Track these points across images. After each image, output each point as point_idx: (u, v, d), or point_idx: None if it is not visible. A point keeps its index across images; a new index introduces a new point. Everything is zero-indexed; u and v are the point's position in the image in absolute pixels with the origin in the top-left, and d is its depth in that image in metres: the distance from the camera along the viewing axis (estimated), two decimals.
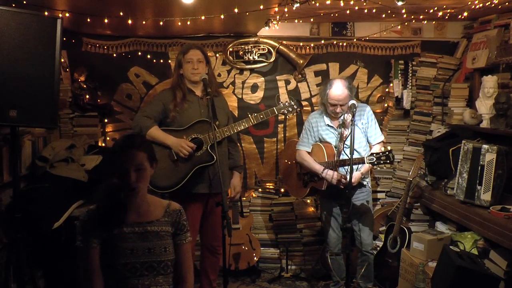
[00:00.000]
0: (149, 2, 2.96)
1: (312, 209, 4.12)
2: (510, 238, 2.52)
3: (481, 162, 2.92)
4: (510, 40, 3.26)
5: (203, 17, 3.19)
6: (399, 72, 4.01)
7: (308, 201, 4.11)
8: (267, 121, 4.14)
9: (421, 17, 3.69)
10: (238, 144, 3.72)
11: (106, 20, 3.10)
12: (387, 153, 2.96)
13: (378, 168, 3.83)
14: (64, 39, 2.51)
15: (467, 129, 3.54)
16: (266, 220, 4.16)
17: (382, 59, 4.13)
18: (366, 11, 3.37)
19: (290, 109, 3.15)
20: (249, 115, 3.09)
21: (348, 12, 3.37)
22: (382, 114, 4.20)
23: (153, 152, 1.94)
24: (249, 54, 4.04)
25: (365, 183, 3.36)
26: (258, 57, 4.07)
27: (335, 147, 3.27)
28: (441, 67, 4.00)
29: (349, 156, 2.81)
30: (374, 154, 3.00)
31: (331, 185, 3.20)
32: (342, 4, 2.96)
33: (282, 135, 4.24)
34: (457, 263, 2.55)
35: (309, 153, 3.40)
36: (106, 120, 4.12)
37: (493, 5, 3.10)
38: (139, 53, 4.06)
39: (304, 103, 4.12)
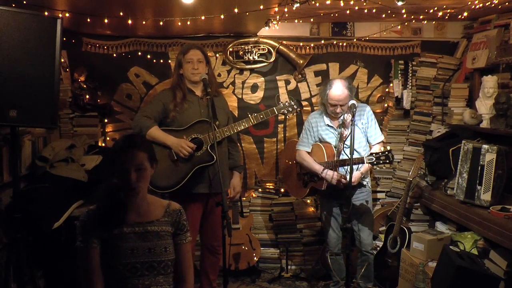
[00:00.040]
0: (149, 2, 2.96)
1: (312, 209, 4.11)
2: (510, 238, 2.52)
3: (481, 162, 2.92)
4: (510, 40, 3.26)
5: (203, 17, 3.19)
6: (399, 72, 4.01)
7: (308, 201, 4.11)
8: (267, 121, 4.14)
9: (421, 17, 3.69)
10: (238, 144, 3.71)
11: (106, 20, 3.10)
12: (386, 153, 2.96)
13: (378, 168, 3.83)
14: (64, 39, 2.51)
15: (467, 129, 3.54)
16: (266, 220, 4.16)
17: (382, 59, 4.13)
18: (366, 11, 3.37)
19: (290, 109, 3.15)
20: (249, 115, 3.09)
21: (348, 12, 3.37)
22: (382, 114, 4.20)
23: (153, 152, 1.94)
24: (249, 54, 4.04)
25: (365, 183, 3.36)
26: (258, 57, 4.06)
27: (335, 147, 3.27)
28: (441, 67, 4.00)
29: (349, 156, 2.81)
30: (374, 154, 3.00)
31: (331, 185, 3.20)
32: (342, 4, 2.97)
33: (282, 135, 4.23)
34: (457, 263, 2.55)
35: (309, 153, 3.40)
36: (106, 120, 4.12)
37: (493, 5, 3.10)
38: (139, 53, 4.06)
39: (304, 103, 4.11)
